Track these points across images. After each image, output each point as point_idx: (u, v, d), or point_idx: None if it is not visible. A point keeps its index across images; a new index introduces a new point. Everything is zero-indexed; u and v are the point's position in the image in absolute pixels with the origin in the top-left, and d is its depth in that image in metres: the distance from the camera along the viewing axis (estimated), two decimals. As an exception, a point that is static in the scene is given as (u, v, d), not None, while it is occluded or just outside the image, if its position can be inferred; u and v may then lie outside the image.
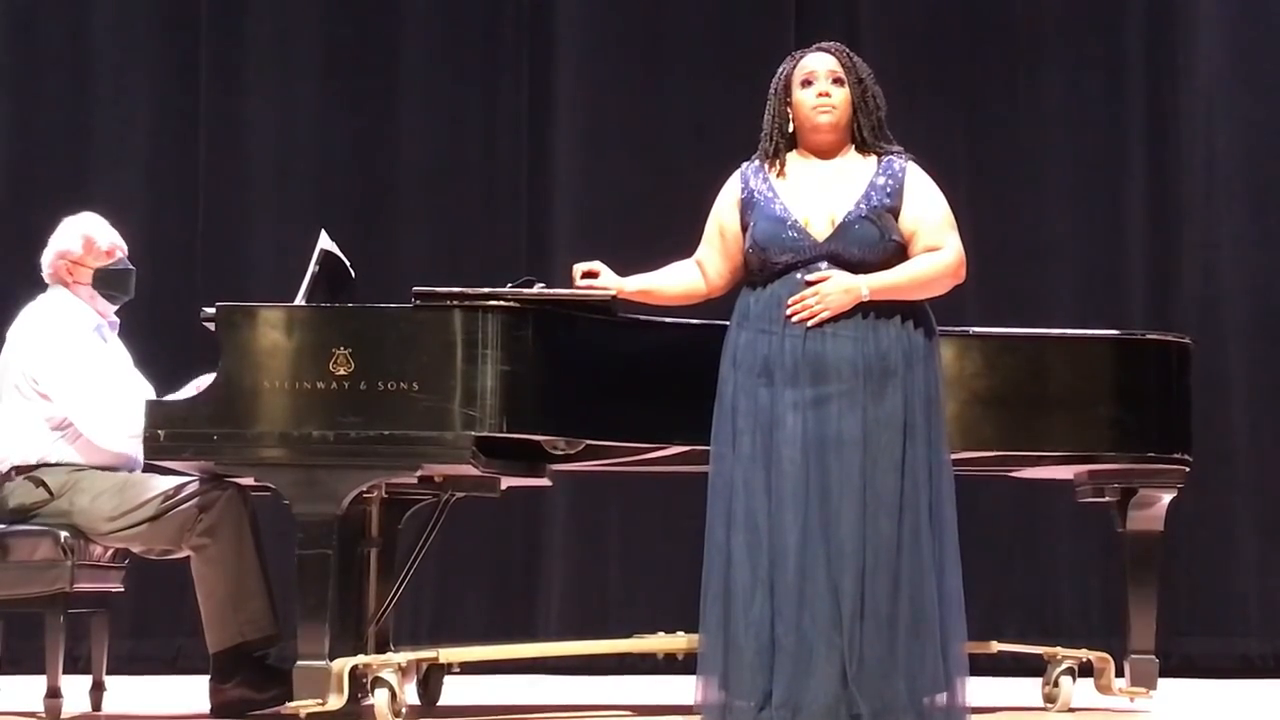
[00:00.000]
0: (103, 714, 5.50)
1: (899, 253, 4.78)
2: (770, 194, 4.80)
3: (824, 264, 4.72)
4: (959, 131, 8.01)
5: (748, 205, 4.84)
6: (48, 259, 5.58)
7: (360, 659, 5.04)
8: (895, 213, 4.78)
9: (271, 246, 7.90)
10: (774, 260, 4.75)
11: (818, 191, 4.79)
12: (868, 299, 4.69)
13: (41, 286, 5.62)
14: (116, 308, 5.63)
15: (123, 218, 5.72)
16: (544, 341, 4.90)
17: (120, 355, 5.60)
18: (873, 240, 4.74)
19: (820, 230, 4.75)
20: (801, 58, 4.88)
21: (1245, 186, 8.04)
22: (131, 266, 5.62)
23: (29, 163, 8.11)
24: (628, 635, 5.73)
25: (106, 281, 5.56)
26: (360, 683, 5.04)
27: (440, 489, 5.38)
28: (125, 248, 5.62)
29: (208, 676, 5.30)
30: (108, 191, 7.60)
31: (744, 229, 4.84)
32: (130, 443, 5.35)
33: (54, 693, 5.26)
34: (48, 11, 8.17)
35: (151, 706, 5.93)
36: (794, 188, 4.81)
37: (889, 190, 4.79)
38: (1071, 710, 5.54)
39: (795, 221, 4.76)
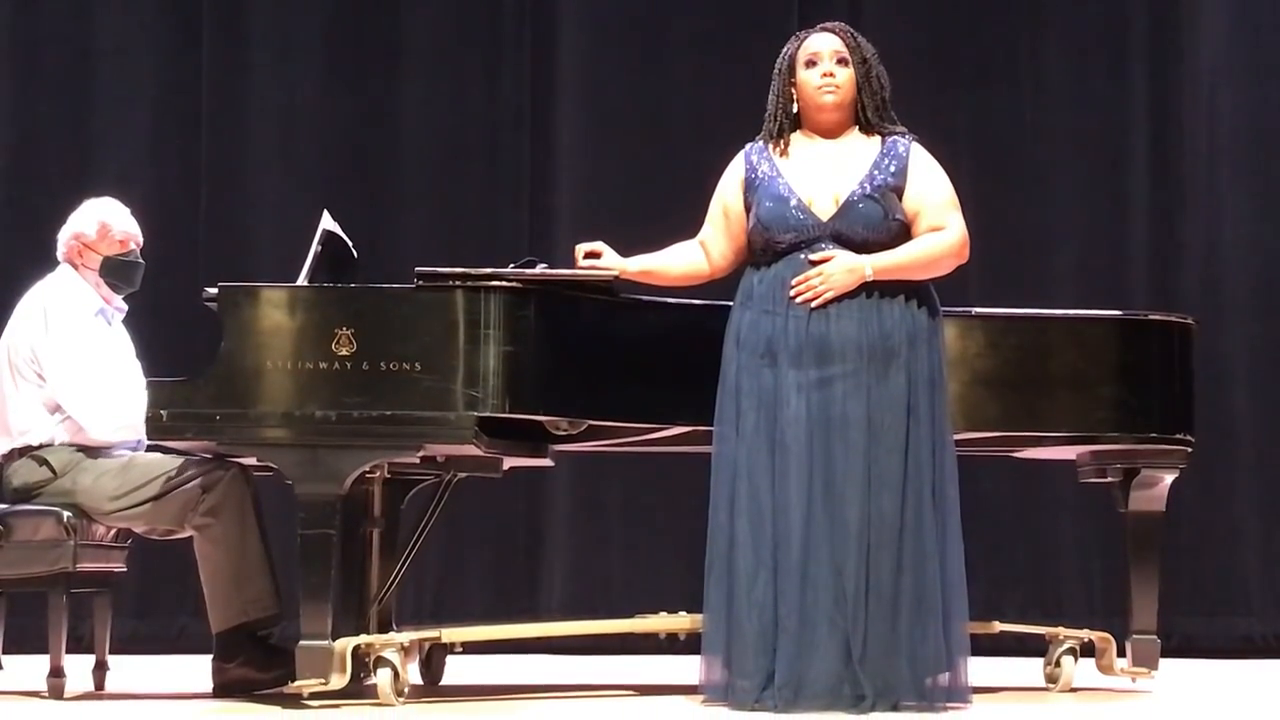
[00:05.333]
0: (105, 693, 5.50)
1: (903, 232, 4.79)
2: (774, 174, 4.81)
3: (827, 244, 4.73)
4: (961, 111, 8.00)
5: (751, 186, 4.84)
6: (63, 237, 5.58)
7: (363, 639, 5.04)
8: (899, 192, 4.79)
9: (274, 227, 7.89)
10: (778, 240, 4.75)
11: (822, 171, 4.80)
12: (871, 279, 4.70)
13: (45, 264, 5.61)
14: (122, 296, 5.63)
15: (125, 199, 5.71)
16: (546, 322, 4.90)
17: (122, 342, 5.59)
18: (877, 220, 4.75)
19: (824, 210, 4.75)
20: (806, 38, 4.89)
21: (1248, 166, 8.03)
22: (141, 260, 5.61)
23: (31, 143, 8.10)
24: (630, 615, 5.72)
25: (113, 271, 5.55)
26: (363, 662, 5.04)
27: (443, 469, 5.38)
28: (140, 240, 5.61)
29: (210, 656, 5.30)
30: (110, 172, 7.61)
31: (747, 209, 4.84)
32: (117, 433, 5.35)
33: (57, 672, 5.27)
34: (50, -9, 8.18)
35: (154, 686, 5.93)
36: (798, 167, 4.81)
37: (893, 170, 4.79)
38: (1073, 690, 5.54)
39: (799, 201, 4.76)
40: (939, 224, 4.80)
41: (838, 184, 4.77)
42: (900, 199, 4.79)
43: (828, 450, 4.63)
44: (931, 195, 4.81)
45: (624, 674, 6.35)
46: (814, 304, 4.69)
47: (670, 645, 5.59)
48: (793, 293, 4.71)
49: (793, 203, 4.76)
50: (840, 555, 4.60)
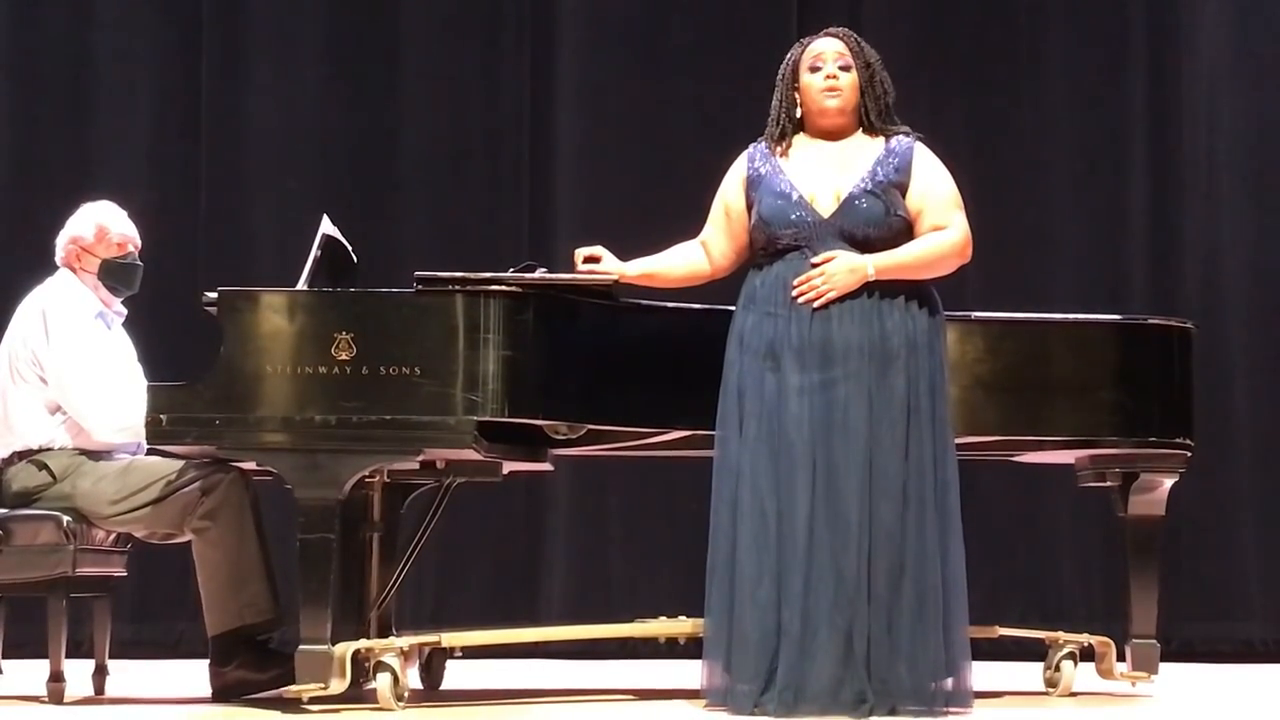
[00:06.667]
0: (105, 698, 5.50)
1: (905, 229, 4.79)
2: (776, 171, 4.82)
3: (828, 242, 4.72)
4: (961, 113, 8.00)
5: (753, 183, 4.85)
6: (61, 241, 5.57)
7: (362, 643, 5.04)
8: (902, 189, 4.80)
9: (273, 231, 7.89)
10: (778, 236, 4.76)
11: (824, 169, 4.81)
12: (874, 278, 4.70)
13: (45, 269, 5.61)
14: (121, 300, 5.63)
15: (125, 203, 5.70)
16: (546, 326, 4.90)
17: (123, 346, 5.59)
18: (878, 216, 4.75)
19: (825, 207, 4.76)
20: (810, 43, 4.91)
21: (1247, 170, 8.03)
22: (139, 263, 5.61)
23: (31, 148, 8.10)
24: (629, 619, 5.72)
25: (112, 274, 5.55)
26: (362, 667, 5.04)
27: (442, 474, 5.38)
28: (139, 243, 5.61)
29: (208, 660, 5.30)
30: (110, 177, 7.60)
31: (749, 208, 4.85)
32: (119, 435, 5.35)
33: (56, 677, 5.26)
34: (50, -3, 8.18)
35: (153, 690, 5.93)
36: (800, 166, 4.83)
37: (896, 167, 4.80)
38: (1073, 695, 5.54)
39: (801, 198, 4.77)
40: (942, 223, 4.80)
41: (839, 181, 4.78)
42: (903, 196, 4.80)
43: (829, 453, 4.63)
44: (934, 193, 4.82)
45: (624, 679, 6.35)
46: (816, 304, 4.69)
47: (670, 649, 5.59)
48: (795, 293, 4.71)
49: (794, 198, 4.77)
50: (842, 559, 4.60)
